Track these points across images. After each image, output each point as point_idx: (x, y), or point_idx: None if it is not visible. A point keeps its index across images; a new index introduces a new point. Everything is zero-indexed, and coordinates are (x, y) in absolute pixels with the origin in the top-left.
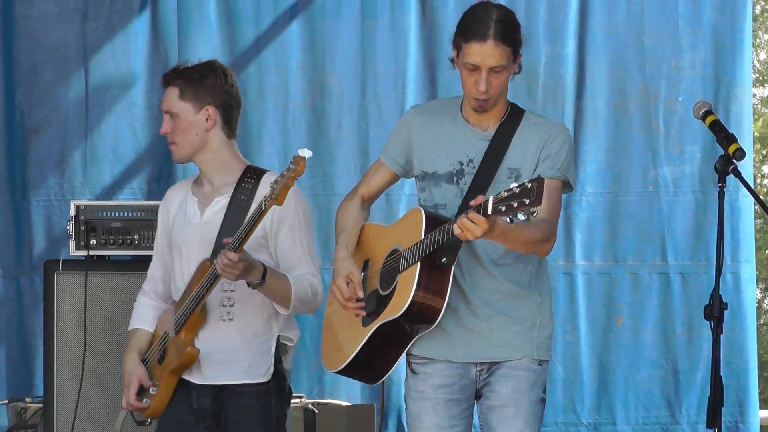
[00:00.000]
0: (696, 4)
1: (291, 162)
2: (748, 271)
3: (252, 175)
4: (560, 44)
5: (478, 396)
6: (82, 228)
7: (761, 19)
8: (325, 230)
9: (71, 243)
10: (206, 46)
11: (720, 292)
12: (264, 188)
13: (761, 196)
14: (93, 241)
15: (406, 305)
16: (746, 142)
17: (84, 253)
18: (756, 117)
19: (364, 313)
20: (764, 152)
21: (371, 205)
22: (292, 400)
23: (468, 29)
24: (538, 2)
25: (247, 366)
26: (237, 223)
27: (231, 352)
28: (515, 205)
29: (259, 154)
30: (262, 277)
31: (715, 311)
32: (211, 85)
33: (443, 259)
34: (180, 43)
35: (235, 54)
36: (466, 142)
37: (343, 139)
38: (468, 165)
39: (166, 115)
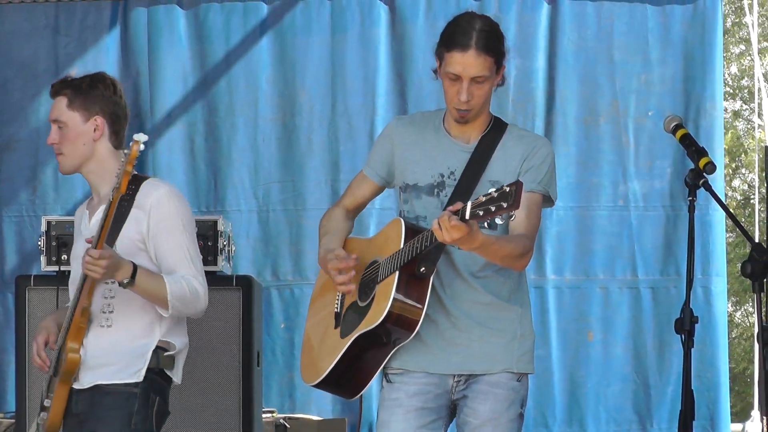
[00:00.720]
0: (666, 18)
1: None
2: (719, 284)
3: (133, 182)
4: (530, 58)
5: (453, 407)
6: (54, 243)
7: (731, 32)
8: (296, 245)
9: (42, 258)
10: (176, 62)
11: (690, 306)
12: (142, 194)
13: (731, 210)
14: (64, 257)
15: (384, 314)
16: (717, 155)
17: (55, 268)
18: (725, 130)
19: (353, 287)
20: (734, 166)
21: (356, 216)
22: (264, 415)
23: (450, 39)
24: (509, 16)
25: (117, 368)
26: (115, 230)
27: (105, 357)
28: (493, 209)
29: (229, 169)
30: (132, 276)
31: (686, 325)
32: (99, 95)
33: (422, 269)
34: (150, 59)
35: (205, 70)
36: (448, 154)
37: (313, 153)
38: (449, 177)
39: (54, 125)
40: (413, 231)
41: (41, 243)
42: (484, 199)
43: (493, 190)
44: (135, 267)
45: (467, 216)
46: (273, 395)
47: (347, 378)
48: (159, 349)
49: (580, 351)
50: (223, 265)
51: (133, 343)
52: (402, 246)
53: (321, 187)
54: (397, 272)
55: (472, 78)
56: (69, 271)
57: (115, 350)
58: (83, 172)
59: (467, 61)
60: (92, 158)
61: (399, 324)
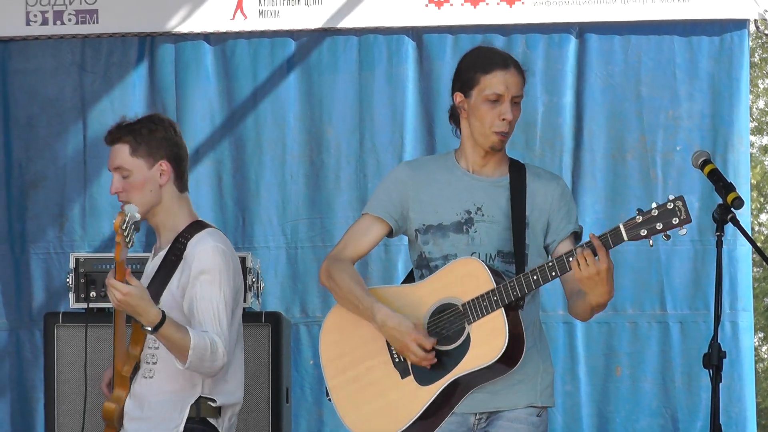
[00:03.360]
0: (693, 53)
1: None
2: (746, 319)
3: (190, 231)
4: (558, 94)
5: None
6: (82, 280)
7: (759, 66)
8: None
9: (71, 295)
10: (203, 99)
11: (719, 341)
12: (190, 246)
13: (758, 244)
14: (93, 294)
15: (501, 351)
16: (743, 190)
17: (84, 305)
18: (753, 165)
19: (435, 361)
20: (761, 200)
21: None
22: None
23: (486, 62)
24: (536, 52)
25: (154, 423)
26: (163, 281)
27: (145, 409)
28: (660, 226)
29: (257, 207)
30: (156, 327)
31: (714, 360)
32: (162, 138)
33: (520, 302)
34: (178, 96)
35: (232, 106)
36: (472, 189)
37: (341, 190)
38: (477, 213)
39: (116, 173)
40: (493, 268)
41: (70, 280)
42: (640, 219)
43: (654, 207)
44: (163, 318)
45: (625, 238)
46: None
47: (423, 426)
48: (202, 399)
49: (608, 386)
50: (252, 302)
51: (172, 397)
52: (494, 285)
53: (349, 223)
54: (502, 308)
55: (513, 97)
56: (97, 309)
57: (153, 403)
58: (149, 219)
59: (510, 79)
60: (159, 204)
61: (507, 360)
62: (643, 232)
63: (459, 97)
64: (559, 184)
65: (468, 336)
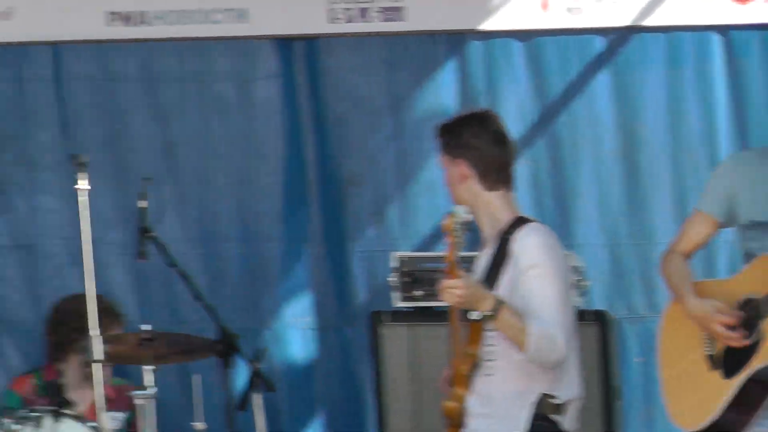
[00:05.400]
0: None
1: None
2: None
3: (513, 227)
4: None
5: None
6: (406, 279)
7: None
8: (646, 278)
9: (396, 294)
10: (515, 96)
11: None
12: (519, 242)
13: None
14: (418, 292)
15: None
16: None
17: (409, 304)
18: None
19: (748, 342)
20: None
21: (691, 257)
22: None
23: None
24: None
25: (496, 420)
26: (493, 279)
27: (489, 406)
28: None
29: (574, 206)
30: (494, 309)
31: None
32: (462, 140)
33: None
34: (489, 94)
35: (544, 103)
36: None
37: (657, 189)
38: None
39: None
40: None
41: (393, 279)
42: None
43: None
44: (499, 301)
45: None
46: (631, 429)
47: (732, 422)
48: (543, 396)
49: None
50: (576, 300)
51: (514, 394)
52: None
53: (668, 222)
54: None
55: None
56: (422, 308)
57: (497, 400)
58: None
59: None
60: (467, 200)
61: None
62: None
63: None
64: None
65: (760, 331)
